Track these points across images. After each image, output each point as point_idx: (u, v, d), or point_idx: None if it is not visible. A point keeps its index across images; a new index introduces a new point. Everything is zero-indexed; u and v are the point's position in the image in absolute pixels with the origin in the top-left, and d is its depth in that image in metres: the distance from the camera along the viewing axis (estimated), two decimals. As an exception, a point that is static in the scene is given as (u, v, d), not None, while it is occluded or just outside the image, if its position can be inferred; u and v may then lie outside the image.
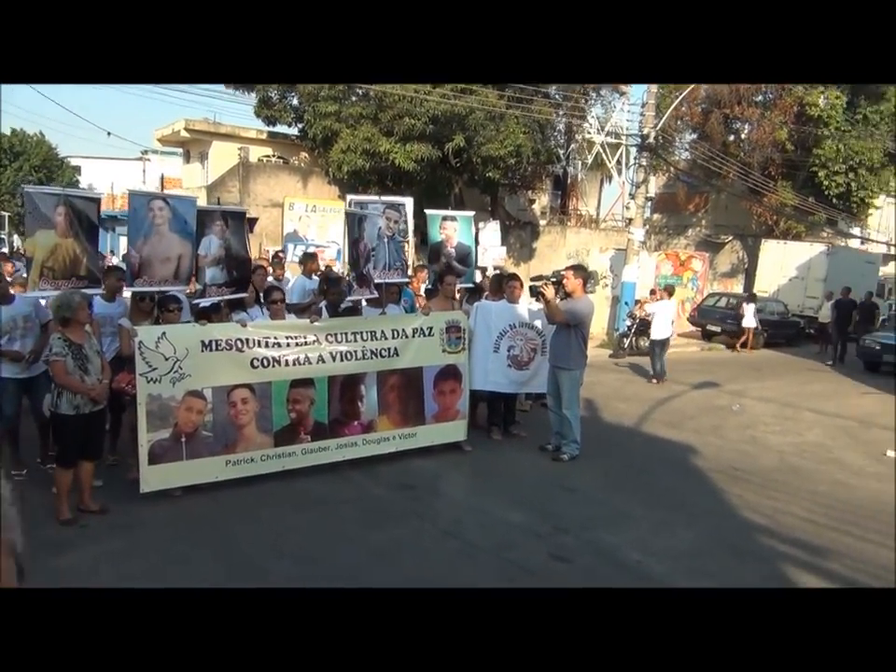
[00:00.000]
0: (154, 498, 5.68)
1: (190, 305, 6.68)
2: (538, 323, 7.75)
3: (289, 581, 4.50)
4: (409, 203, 8.11)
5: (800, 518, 5.94)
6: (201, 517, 5.51)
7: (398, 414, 7.00)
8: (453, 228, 8.22)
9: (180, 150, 28.02)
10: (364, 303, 7.48)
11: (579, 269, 7.50)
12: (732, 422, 9.46)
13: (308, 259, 9.02)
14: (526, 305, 8.08)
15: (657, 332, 12.62)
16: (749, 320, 17.54)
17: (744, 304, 17.84)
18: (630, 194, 18.52)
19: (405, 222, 7.53)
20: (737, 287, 24.92)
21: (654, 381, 12.17)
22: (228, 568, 4.69)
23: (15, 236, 30.65)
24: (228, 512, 5.60)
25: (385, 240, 7.26)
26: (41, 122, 74.71)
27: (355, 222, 6.93)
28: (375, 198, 7.63)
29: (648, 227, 20.20)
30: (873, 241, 26.77)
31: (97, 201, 6.26)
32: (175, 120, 24.43)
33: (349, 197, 12.67)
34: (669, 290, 13.94)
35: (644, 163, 17.77)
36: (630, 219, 17.87)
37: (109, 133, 28.47)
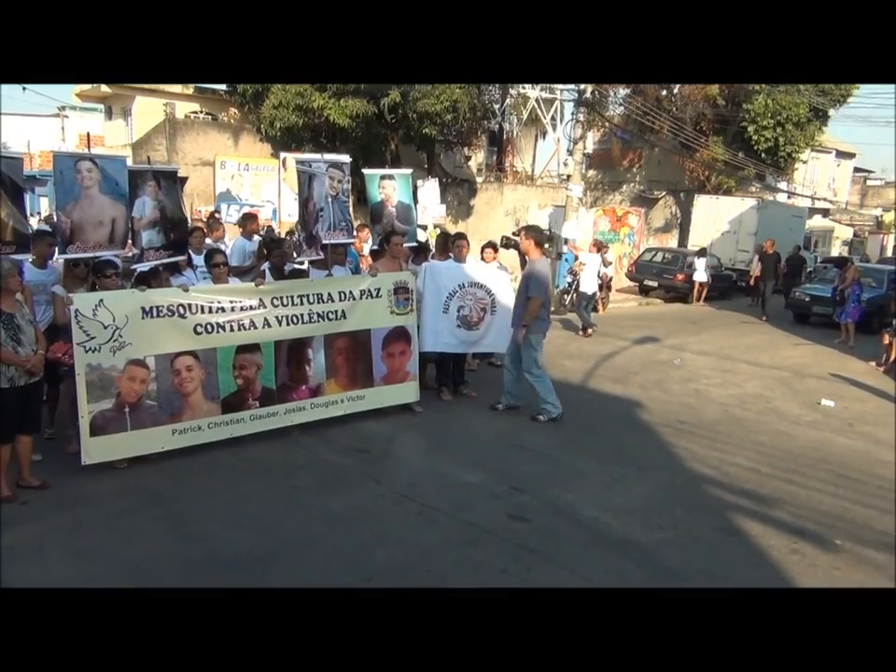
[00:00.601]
0: (97, 471, 5.46)
1: (127, 270, 6.38)
2: (487, 282, 7.70)
3: (246, 552, 4.41)
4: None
5: (745, 468, 6.12)
6: (148, 489, 5.33)
7: (346, 377, 6.89)
8: (392, 187, 8.02)
9: (101, 106, 26.70)
10: (307, 265, 7.29)
11: (531, 229, 7.46)
12: (674, 376, 9.68)
13: (247, 220, 8.71)
14: (474, 264, 8.03)
15: (585, 286, 12.98)
16: (701, 274, 18.07)
17: (695, 259, 18.34)
18: (568, 150, 18.55)
19: (348, 181, 7.32)
20: (672, 241, 25.42)
21: (590, 332, 12.41)
22: (181, 541, 4.55)
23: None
24: (177, 483, 5.44)
25: (330, 199, 7.06)
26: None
27: (305, 181, 6.69)
28: (318, 156, 7.35)
29: (584, 183, 20.30)
30: (799, 195, 27.62)
31: (20, 160, 5.86)
32: (95, 74, 23.19)
33: (283, 155, 12.31)
34: (597, 245, 14.22)
35: (581, 119, 17.77)
36: (568, 176, 17.90)
37: (25, 88, 26.71)
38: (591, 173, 29.19)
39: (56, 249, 5.95)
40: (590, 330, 12.54)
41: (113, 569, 4.16)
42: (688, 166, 24.89)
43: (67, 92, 27.04)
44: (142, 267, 6.19)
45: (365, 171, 8.03)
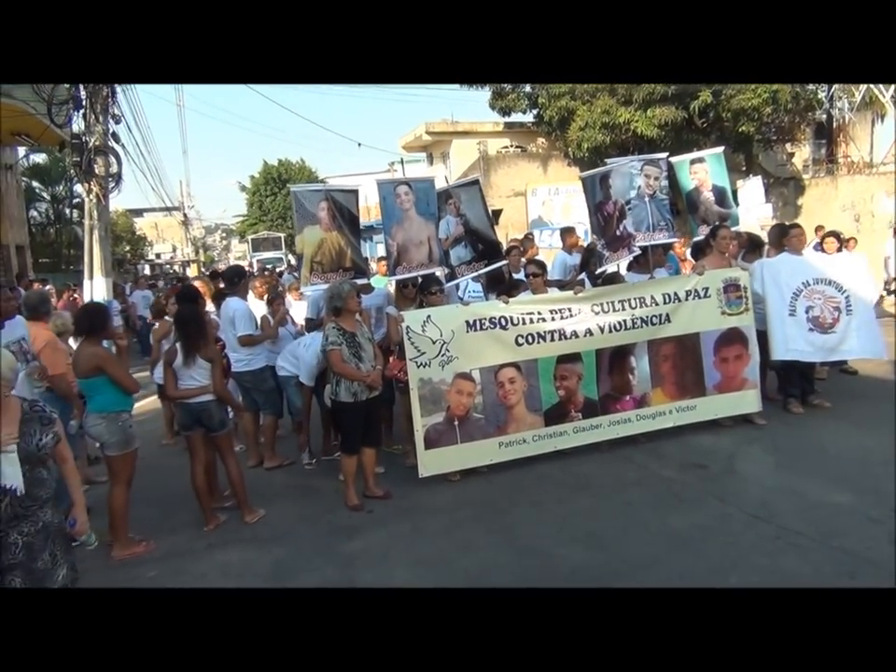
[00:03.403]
0: (433, 483, 5.64)
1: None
2: (837, 277, 6.58)
3: (583, 568, 4.13)
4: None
5: None
6: (480, 501, 5.34)
7: (674, 386, 6.36)
8: (703, 170, 7.23)
9: (423, 155, 29.15)
10: (627, 270, 6.90)
11: None
12: None
13: (567, 234, 8.58)
14: (816, 256, 7.00)
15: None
16: None
17: None
18: (921, 124, 15.88)
19: (666, 178, 6.80)
20: None
21: None
22: (516, 554, 4.42)
23: (290, 255, 34.00)
24: (507, 496, 5.38)
25: (646, 199, 6.62)
26: (306, 144, 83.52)
27: (595, 185, 6.27)
28: (631, 157, 6.97)
29: (945, 161, 17.21)
30: None
31: (355, 192, 6.36)
32: (417, 126, 25.40)
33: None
34: None
35: (937, 86, 15.13)
36: (925, 154, 15.28)
37: (360, 144, 30.49)
38: (948, 150, 24.78)
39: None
40: None
41: (452, 578, 4.15)
42: None
43: (395, 146, 30.03)
44: (458, 282, 6.37)
45: (672, 158, 7.34)
